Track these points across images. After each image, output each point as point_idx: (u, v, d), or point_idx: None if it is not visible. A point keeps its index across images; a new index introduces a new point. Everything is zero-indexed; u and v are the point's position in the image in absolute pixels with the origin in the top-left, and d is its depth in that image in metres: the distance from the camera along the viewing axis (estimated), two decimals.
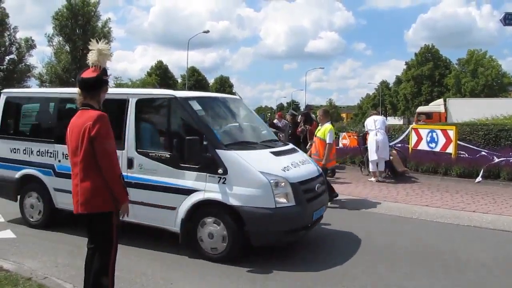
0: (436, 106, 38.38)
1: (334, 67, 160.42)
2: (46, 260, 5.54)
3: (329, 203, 7.35)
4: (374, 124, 11.78)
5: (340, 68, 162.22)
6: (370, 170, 11.93)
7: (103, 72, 3.80)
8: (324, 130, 8.78)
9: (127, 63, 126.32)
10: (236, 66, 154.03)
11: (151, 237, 6.63)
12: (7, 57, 43.70)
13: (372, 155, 11.60)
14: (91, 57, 3.75)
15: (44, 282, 4.56)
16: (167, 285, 4.76)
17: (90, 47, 3.80)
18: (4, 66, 43.57)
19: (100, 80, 3.77)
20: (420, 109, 39.35)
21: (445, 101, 39.12)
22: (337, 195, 8.96)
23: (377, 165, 11.67)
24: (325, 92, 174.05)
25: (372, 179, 11.76)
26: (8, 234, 6.75)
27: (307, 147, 10.80)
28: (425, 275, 5.15)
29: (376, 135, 11.56)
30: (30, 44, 44.47)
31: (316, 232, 6.95)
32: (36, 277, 4.72)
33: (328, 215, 8.30)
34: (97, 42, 3.80)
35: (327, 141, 8.65)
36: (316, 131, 9.17)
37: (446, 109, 35.54)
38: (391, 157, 11.89)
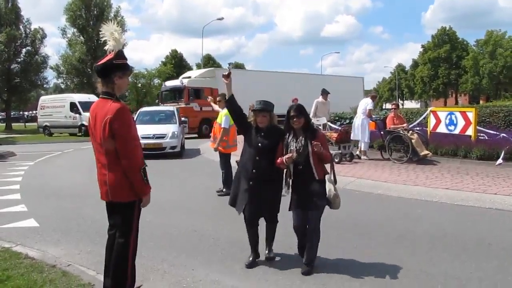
0: (208, 78, 28.28)
1: (351, 52, 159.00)
2: (69, 247, 5.64)
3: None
4: (360, 107, 13.60)
5: (356, 52, 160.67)
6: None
7: (116, 56, 3.64)
8: (221, 115, 8.86)
9: (142, 52, 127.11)
10: (251, 52, 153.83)
11: (172, 226, 6.70)
12: (24, 49, 44.26)
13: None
14: (108, 44, 3.68)
15: (68, 269, 4.64)
16: (189, 271, 4.79)
17: (101, 33, 3.72)
18: (22, 59, 44.12)
19: (110, 65, 3.63)
20: (187, 82, 27.68)
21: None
22: None
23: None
24: None
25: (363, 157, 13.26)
26: (31, 223, 6.88)
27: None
28: (446, 259, 5.08)
29: (357, 117, 13.43)
30: (40, 35, 44.90)
31: (335, 217, 6.92)
32: (60, 264, 4.80)
33: (348, 199, 8.28)
34: (107, 26, 3.72)
35: (222, 126, 8.75)
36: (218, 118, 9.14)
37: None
38: (412, 140, 11.77)
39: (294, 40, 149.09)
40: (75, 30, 44.94)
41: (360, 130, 13.24)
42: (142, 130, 15.41)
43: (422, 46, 76.99)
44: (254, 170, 4.84)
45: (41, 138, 29.86)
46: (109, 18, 43.10)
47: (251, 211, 4.90)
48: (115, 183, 3.59)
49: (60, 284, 4.16)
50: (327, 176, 4.77)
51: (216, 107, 10.04)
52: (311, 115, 14.11)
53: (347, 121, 17.86)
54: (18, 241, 5.80)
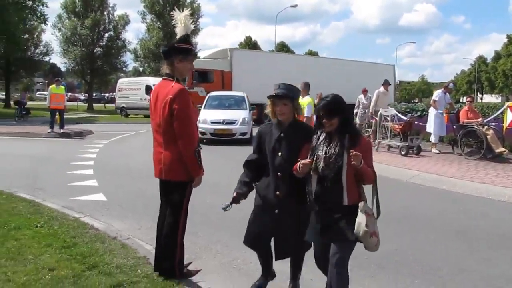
0: (220, 60, 25.19)
1: (429, 42, 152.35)
2: (131, 222, 5.99)
3: None
4: None
5: (435, 42, 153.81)
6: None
7: (179, 39, 3.82)
8: (303, 104, 8.69)
9: (218, 38, 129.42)
10: (326, 40, 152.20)
11: (231, 209, 6.85)
12: (106, 34, 46.67)
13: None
14: (178, 30, 3.87)
15: (127, 242, 4.92)
16: (241, 253, 4.88)
17: (173, 19, 3.92)
18: (104, 43, 46.56)
19: (172, 48, 3.80)
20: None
21: None
22: None
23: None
24: (418, 67, 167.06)
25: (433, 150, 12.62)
26: (100, 197, 7.36)
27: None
28: (508, 262, 4.86)
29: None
30: (125, 21, 47.18)
31: (394, 208, 6.79)
32: (121, 237, 5.11)
33: (410, 192, 8.08)
34: (181, 11, 3.90)
35: (305, 115, 8.76)
36: None
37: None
38: (488, 136, 11.18)
39: (370, 28, 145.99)
40: (152, 16, 46.58)
41: (428, 121, 13.05)
42: (212, 115, 15.49)
43: (508, 37, 72.22)
44: (277, 192, 3.53)
45: (118, 118, 31.40)
46: (185, 4, 44.24)
47: (279, 250, 3.65)
48: (170, 162, 3.74)
49: (118, 255, 4.42)
50: (361, 204, 3.15)
51: None
52: (371, 106, 13.84)
53: (418, 113, 17.26)
54: (87, 213, 6.23)
